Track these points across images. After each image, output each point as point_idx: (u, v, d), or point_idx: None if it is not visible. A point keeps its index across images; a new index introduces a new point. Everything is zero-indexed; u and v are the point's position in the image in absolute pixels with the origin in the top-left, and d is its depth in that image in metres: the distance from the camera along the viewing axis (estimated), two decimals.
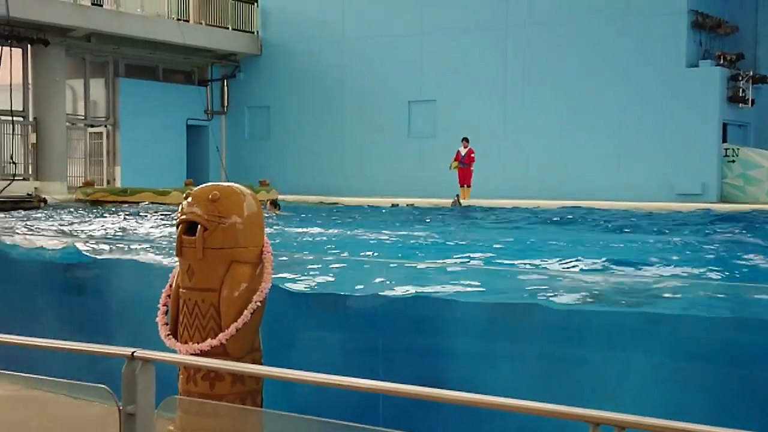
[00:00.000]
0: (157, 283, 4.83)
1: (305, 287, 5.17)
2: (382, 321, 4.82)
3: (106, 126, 24.77)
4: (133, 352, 2.62)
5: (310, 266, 5.49)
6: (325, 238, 9.40)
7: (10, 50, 21.31)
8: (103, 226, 11.71)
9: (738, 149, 21.10)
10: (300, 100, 26.06)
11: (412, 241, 9.03)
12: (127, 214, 14.81)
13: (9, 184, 20.89)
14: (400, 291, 4.82)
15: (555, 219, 14.55)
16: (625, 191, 19.86)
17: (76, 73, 24.03)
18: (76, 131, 24.09)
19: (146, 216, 14.50)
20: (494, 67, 23.10)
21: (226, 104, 27.66)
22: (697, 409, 4.12)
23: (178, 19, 25.06)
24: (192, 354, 4.36)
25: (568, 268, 5.97)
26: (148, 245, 6.96)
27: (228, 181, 4.96)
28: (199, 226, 4.49)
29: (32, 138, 22.21)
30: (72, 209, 16.67)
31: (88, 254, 6.36)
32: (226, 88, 27.59)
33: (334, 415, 2.75)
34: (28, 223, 11.62)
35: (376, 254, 7.22)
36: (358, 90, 25.05)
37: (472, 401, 2.27)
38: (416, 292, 4.75)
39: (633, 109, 21.30)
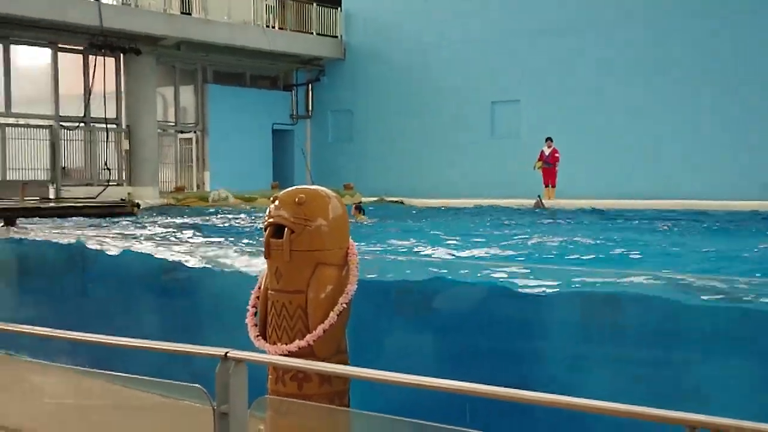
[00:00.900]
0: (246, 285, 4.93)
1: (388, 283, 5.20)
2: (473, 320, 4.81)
3: (195, 132, 25.39)
4: (226, 353, 2.68)
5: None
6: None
7: (104, 60, 22.07)
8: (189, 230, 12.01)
9: None
10: (382, 103, 26.20)
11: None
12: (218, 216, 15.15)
13: (104, 189, 21.63)
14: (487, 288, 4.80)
15: (675, 221, 13.99)
16: (717, 190, 19.27)
17: (166, 81, 24.71)
18: (166, 137, 24.77)
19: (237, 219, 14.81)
20: (580, 67, 22.75)
21: (310, 108, 28.02)
22: None
23: (265, 26, 25.51)
24: (280, 355, 4.44)
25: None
26: (237, 248, 7.11)
27: (313, 184, 5.02)
28: (286, 229, 4.57)
29: (125, 144, 22.93)
30: (167, 214, 17.13)
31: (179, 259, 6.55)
32: (310, 92, 27.95)
33: (421, 416, 2.76)
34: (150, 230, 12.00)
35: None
36: (440, 91, 25.03)
37: (564, 404, 2.24)
38: (503, 287, 4.72)
39: (725, 108, 20.67)
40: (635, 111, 21.81)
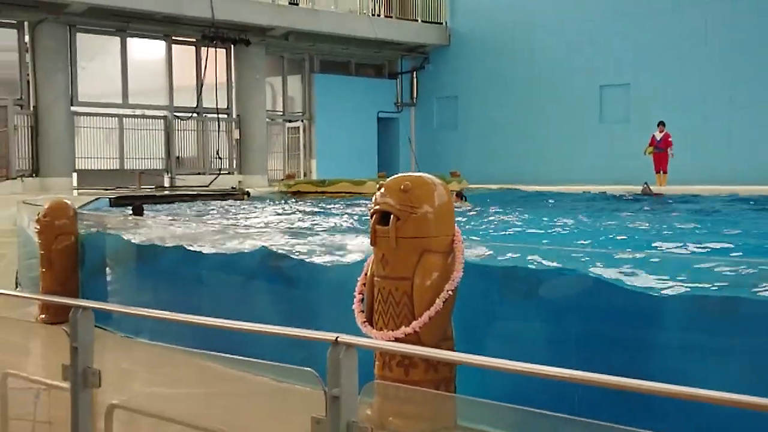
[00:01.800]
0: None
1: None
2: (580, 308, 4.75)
3: (302, 121, 25.82)
4: (336, 337, 2.74)
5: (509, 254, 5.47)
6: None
7: (215, 51, 22.67)
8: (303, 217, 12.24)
9: None
10: (487, 89, 25.99)
11: None
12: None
13: (216, 178, 22.27)
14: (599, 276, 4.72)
15: None
16: None
17: (274, 71, 25.20)
18: (275, 126, 25.28)
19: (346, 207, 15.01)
20: (692, 47, 21.98)
21: (415, 96, 28.05)
22: None
23: (371, 14, 25.68)
24: (387, 341, 4.49)
25: None
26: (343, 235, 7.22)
27: (419, 172, 5.04)
28: (392, 216, 4.61)
29: (236, 134, 23.53)
30: (276, 201, 17.51)
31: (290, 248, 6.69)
32: (415, 79, 27.98)
33: (528, 404, 2.75)
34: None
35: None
36: (547, 76, 24.64)
37: (678, 393, 2.20)
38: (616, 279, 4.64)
39: None
40: (754, 91, 20.92)
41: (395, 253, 4.60)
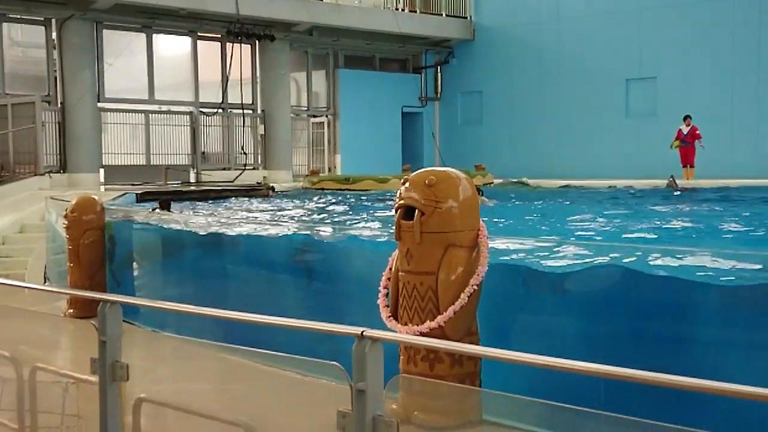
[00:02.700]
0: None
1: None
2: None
3: (327, 116, 25.85)
4: (362, 332, 2.75)
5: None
6: None
7: (240, 47, 22.75)
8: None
9: None
10: (512, 83, 25.87)
11: None
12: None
13: (241, 173, 22.36)
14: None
15: None
16: None
17: (299, 66, 25.24)
18: (299, 122, 25.33)
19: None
20: (720, 40, 21.73)
21: (439, 90, 27.98)
22: None
23: (395, 9, 25.64)
24: (412, 335, 4.50)
25: None
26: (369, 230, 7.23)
27: (443, 167, 5.03)
28: (416, 210, 4.61)
29: (260, 129, 23.60)
30: (302, 197, 17.55)
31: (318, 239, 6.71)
32: (439, 74, 27.91)
33: (554, 399, 2.75)
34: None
35: None
36: (572, 70, 24.48)
37: (705, 388, 2.19)
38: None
39: None
40: None
41: (420, 247, 4.60)
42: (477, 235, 4.68)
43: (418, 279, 4.63)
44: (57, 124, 19.93)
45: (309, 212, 13.13)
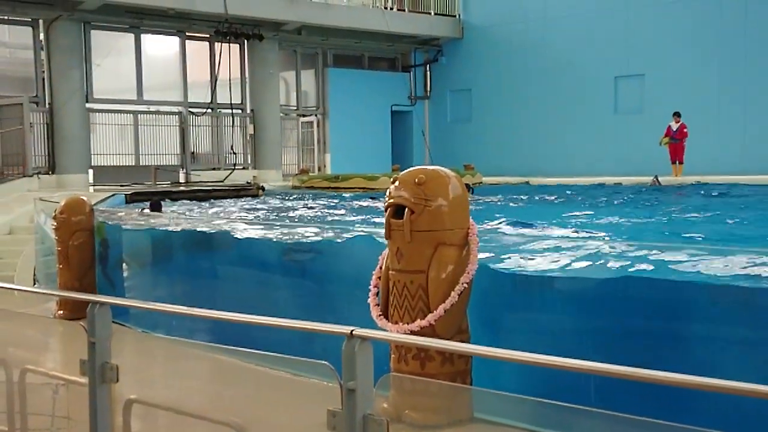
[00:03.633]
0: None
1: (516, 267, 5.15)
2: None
3: (316, 115, 25.84)
4: (351, 331, 2.75)
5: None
6: None
7: (229, 46, 22.71)
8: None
9: None
10: (501, 81, 25.92)
11: None
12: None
13: (231, 173, 22.33)
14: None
15: None
16: None
17: (288, 66, 25.22)
18: (289, 121, 25.31)
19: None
20: (708, 37, 21.82)
21: (429, 89, 28.00)
22: None
23: (384, 8, 25.64)
24: (402, 334, 4.50)
25: None
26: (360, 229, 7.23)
27: (433, 165, 5.04)
28: (406, 209, 4.61)
29: (250, 129, 23.57)
30: (293, 196, 17.53)
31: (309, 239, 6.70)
32: (428, 73, 27.93)
33: (544, 396, 2.76)
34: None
35: None
36: (561, 68, 24.54)
37: (694, 384, 2.20)
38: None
39: None
40: (764, 86, 20.77)
41: (410, 246, 4.61)
42: (467, 233, 4.68)
43: (408, 278, 4.63)
44: (45, 125, 19.86)
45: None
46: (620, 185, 18.54)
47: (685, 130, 20.01)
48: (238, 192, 17.96)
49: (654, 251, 4.87)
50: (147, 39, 22.17)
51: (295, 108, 25.64)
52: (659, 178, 18.42)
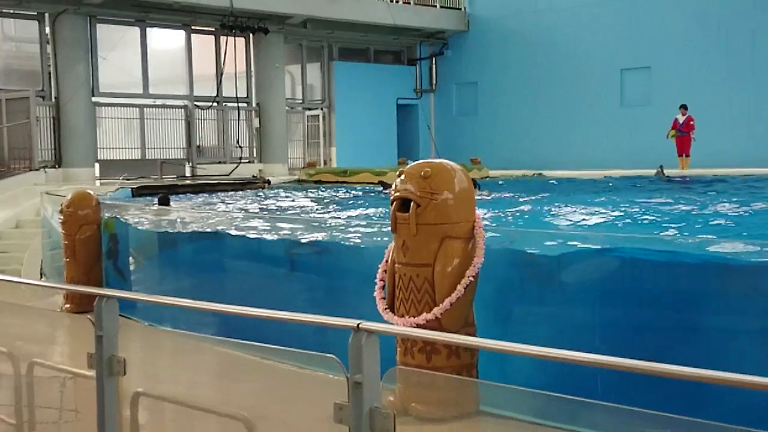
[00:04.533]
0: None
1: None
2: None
3: (322, 109, 25.83)
4: (358, 324, 2.75)
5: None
6: None
7: (234, 40, 22.69)
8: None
9: None
10: (507, 74, 25.85)
11: None
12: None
13: (236, 166, 22.33)
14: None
15: None
16: None
17: (293, 59, 25.19)
18: (294, 115, 25.30)
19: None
20: (714, 29, 21.74)
21: (434, 82, 27.96)
22: None
23: (390, 1, 25.58)
24: (408, 327, 4.50)
25: None
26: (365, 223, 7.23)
27: (438, 158, 5.03)
28: (412, 202, 4.61)
29: (256, 122, 23.57)
30: (297, 189, 17.51)
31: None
32: (434, 66, 27.88)
33: (551, 389, 2.76)
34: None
35: None
36: (567, 60, 24.46)
37: (702, 377, 2.19)
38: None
39: None
40: None
41: (416, 239, 4.61)
42: (473, 226, 4.68)
43: (414, 271, 4.64)
44: (51, 119, 19.89)
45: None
46: (625, 177, 18.42)
47: (692, 122, 19.94)
48: (244, 186, 17.96)
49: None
50: (152, 33, 22.18)
51: (301, 101, 25.63)
52: (664, 170, 18.34)
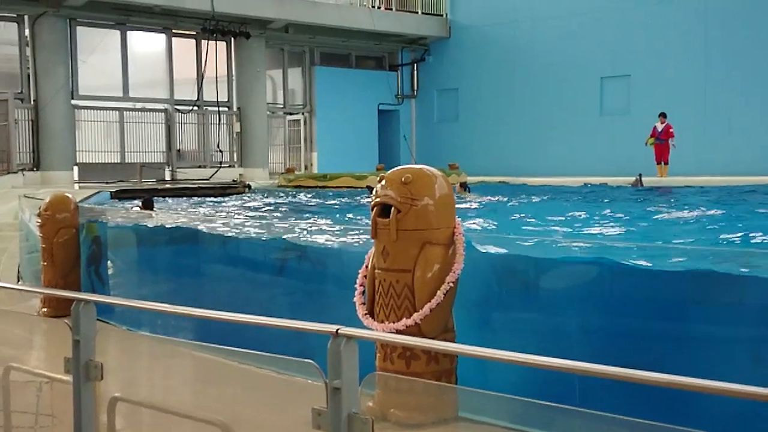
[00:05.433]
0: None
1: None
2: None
3: (303, 113, 25.81)
4: (337, 330, 2.75)
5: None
6: None
7: (215, 44, 22.64)
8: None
9: None
10: (488, 81, 25.96)
11: None
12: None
13: (216, 171, 22.26)
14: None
15: None
16: None
17: (275, 64, 25.17)
18: (276, 119, 25.27)
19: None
20: (693, 38, 21.95)
21: (415, 88, 28.02)
22: None
23: (371, 6, 25.63)
24: (388, 333, 4.50)
25: None
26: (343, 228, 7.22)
27: (417, 165, 5.04)
28: (392, 208, 4.62)
29: (236, 127, 23.52)
30: (278, 194, 17.49)
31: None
32: (415, 72, 27.95)
33: (529, 395, 2.76)
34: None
35: None
36: (548, 68, 24.60)
37: (681, 384, 2.21)
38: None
39: None
40: (753, 81, 20.91)
41: (396, 245, 4.61)
42: (453, 232, 4.69)
43: (394, 277, 4.64)
44: (30, 122, 19.75)
45: None
46: (606, 185, 18.55)
47: (671, 130, 20.11)
48: (224, 190, 17.90)
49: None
50: (133, 36, 22.09)
51: (282, 106, 25.60)
52: (643, 179, 18.48)
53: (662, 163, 20.18)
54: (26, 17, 19.85)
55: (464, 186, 14.66)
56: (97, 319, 3.87)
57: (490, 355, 2.71)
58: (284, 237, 6.84)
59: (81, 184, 19.21)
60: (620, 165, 21.27)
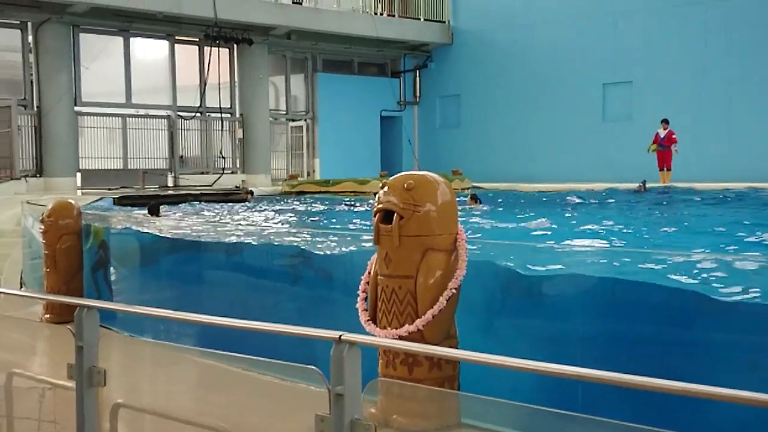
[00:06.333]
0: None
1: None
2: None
3: (305, 120, 25.82)
4: (340, 336, 2.75)
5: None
6: None
7: (218, 51, 22.68)
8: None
9: None
10: (490, 87, 25.97)
11: None
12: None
13: (219, 177, 22.27)
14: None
15: None
16: None
17: (277, 70, 25.20)
18: (278, 126, 25.29)
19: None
20: (694, 44, 21.94)
21: (418, 94, 28.04)
22: None
23: (374, 13, 25.67)
24: (390, 339, 4.50)
25: None
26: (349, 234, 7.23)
27: (420, 171, 5.04)
28: (395, 214, 4.62)
29: (239, 133, 23.54)
30: (281, 200, 17.50)
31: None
32: (418, 78, 27.97)
33: (532, 401, 2.76)
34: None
35: None
36: (550, 75, 24.61)
37: (683, 390, 2.21)
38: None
39: None
40: (754, 87, 20.89)
41: (398, 251, 4.61)
42: (455, 238, 4.69)
43: (396, 283, 4.64)
44: (33, 128, 19.78)
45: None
46: (602, 191, 18.50)
47: (673, 136, 20.10)
48: (226, 196, 17.92)
49: None
50: (136, 42, 22.12)
51: (285, 112, 25.62)
52: (647, 185, 18.47)
53: (665, 169, 20.17)
54: (29, 24, 19.90)
55: (475, 198, 14.44)
56: (100, 326, 3.87)
57: (492, 361, 2.71)
58: (290, 244, 6.85)
59: (84, 191, 19.24)
60: (623, 171, 21.25)
